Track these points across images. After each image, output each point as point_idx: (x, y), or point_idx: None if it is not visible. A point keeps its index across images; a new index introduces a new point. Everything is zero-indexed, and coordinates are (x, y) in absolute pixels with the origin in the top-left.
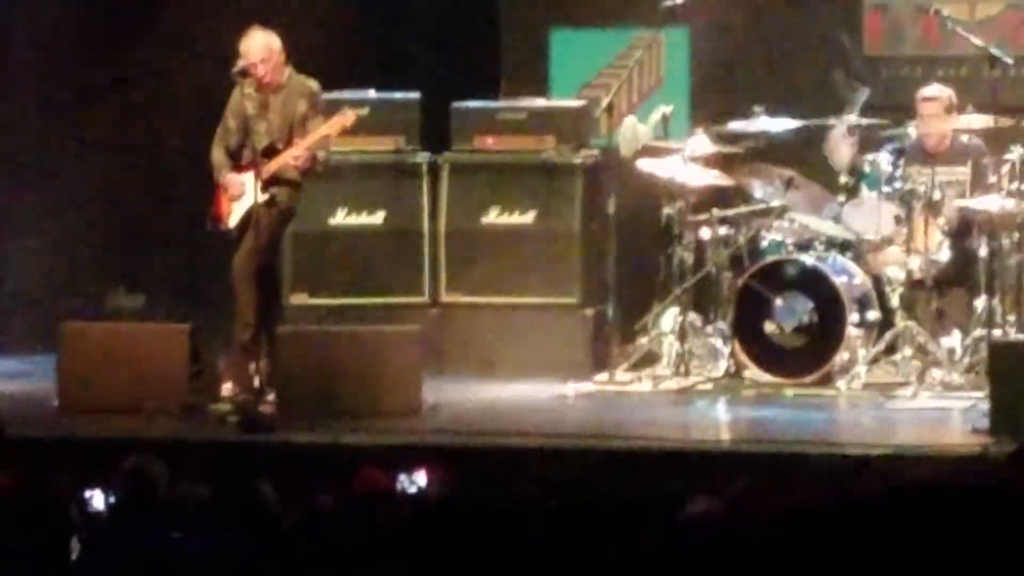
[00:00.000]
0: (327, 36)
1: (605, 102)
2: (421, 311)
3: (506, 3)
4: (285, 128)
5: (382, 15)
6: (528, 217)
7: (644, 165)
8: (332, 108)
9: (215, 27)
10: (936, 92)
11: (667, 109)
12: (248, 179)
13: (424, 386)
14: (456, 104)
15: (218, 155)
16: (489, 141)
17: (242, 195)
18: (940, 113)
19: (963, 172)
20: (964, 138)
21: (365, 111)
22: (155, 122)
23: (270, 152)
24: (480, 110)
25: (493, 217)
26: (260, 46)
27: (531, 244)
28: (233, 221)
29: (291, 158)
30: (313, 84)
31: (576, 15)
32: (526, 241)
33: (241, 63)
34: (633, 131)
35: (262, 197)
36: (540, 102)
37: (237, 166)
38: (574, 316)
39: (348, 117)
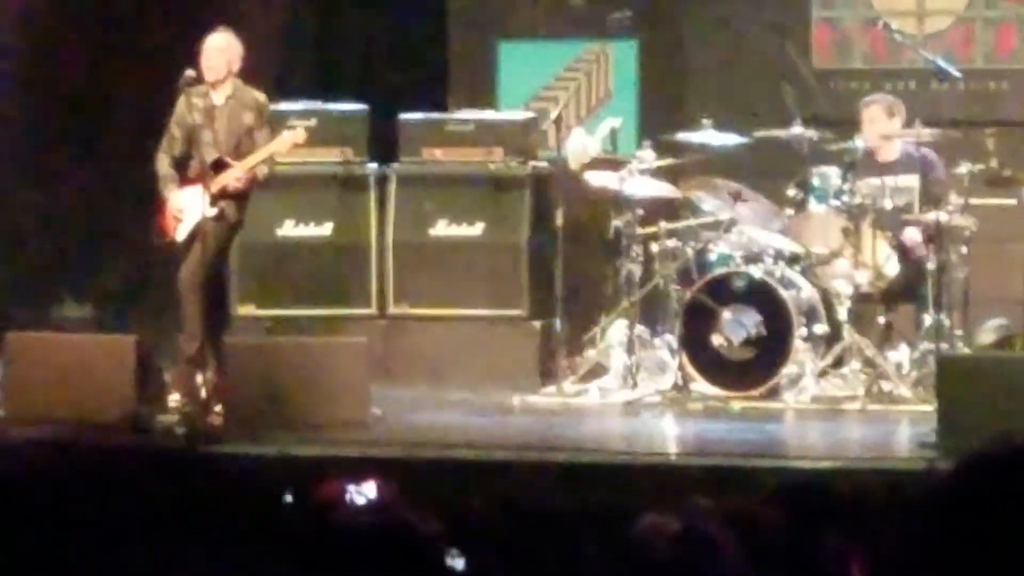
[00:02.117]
0: (276, 47)
1: (553, 114)
2: (368, 323)
3: (453, 15)
4: (232, 140)
5: (330, 27)
6: (476, 229)
7: (592, 177)
8: (279, 119)
9: (161, 37)
10: (876, 97)
11: (615, 122)
12: (194, 194)
13: (371, 398)
14: (404, 116)
15: (163, 166)
16: (437, 153)
17: (188, 211)
18: (881, 116)
19: (914, 180)
20: (913, 149)
21: (313, 122)
22: (102, 131)
23: (218, 165)
24: (428, 122)
25: (441, 229)
26: (223, 40)
27: (479, 256)
28: (181, 235)
29: (233, 178)
30: (260, 96)
31: (524, 27)
32: (474, 253)
33: (188, 73)
34: (581, 143)
35: (211, 211)
36: (488, 114)
37: (184, 179)
38: (521, 328)
39: (298, 133)
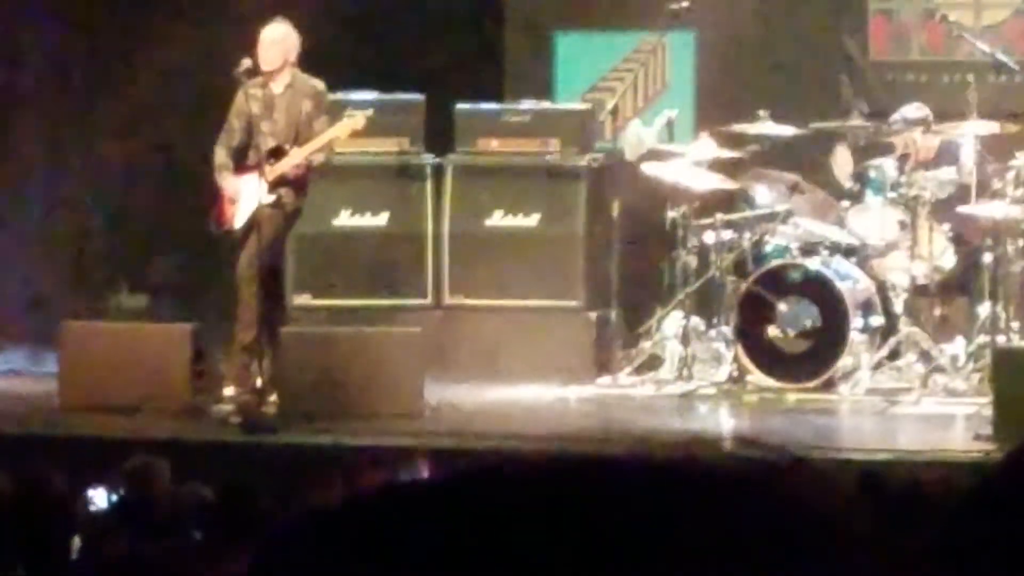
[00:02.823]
0: (332, 36)
1: (610, 105)
2: (424, 313)
3: (511, 6)
4: (291, 128)
5: (387, 16)
6: (532, 220)
7: (648, 169)
8: (336, 109)
9: (221, 28)
10: (912, 114)
11: (672, 113)
12: (249, 181)
13: (426, 388)
14: (460, 106)
15: (220, 156)
16: (493, 143)
17: (241, 198)
18: (920, 137)
19: (952, 172)
20: (966, 143)
21: (369, 112)
22: (160, 123)
23: (276, 153)
24: (484, 112)
25: (497, 220)
26: (281, 31)
27: (535, 247)
28: (238, 223)
29: (291, 165)
30: (319, 84)
31: (581, 18)
32: (530, 244)
33: (245, 62)
34: (638, 135)
35: (268, 199)
36: (545, 105)
37: (240, 167)
38: (577, 319)
39: (358, 119)
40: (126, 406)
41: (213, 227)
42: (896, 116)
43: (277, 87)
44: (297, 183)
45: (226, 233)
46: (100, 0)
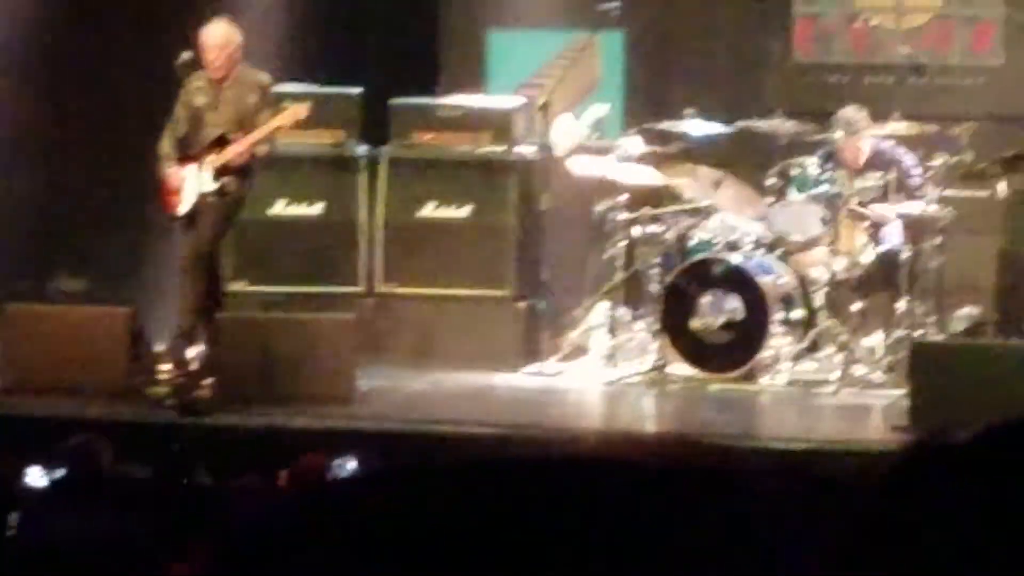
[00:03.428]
0: (272, 30)
1: (541, 101)
2: (357, 300)
3: (445, 4)
4: (237, 120)
5: (326, 12)
6: (464, 211)
7: (578, 163)
8: (274, 101)
9: (162, 19)
10: (853, 117)
11: (601, 110)
12: (192, 170)
13: (359, 374)
14: (395, 100)
15: (164, 147)
16: (427, 137)
17: (185, 186)
18: (855, 141)
19: (884, 178)
20: (885, 145)
21: (307, 105)
22: (99, 108)
23: (220, 143)
24: (419, 106)
25: (429, 211)
26: (221, 34)
27: (466, 238)
28: (182, 210)
29: (235, 153)
30: (264, 77)
31: (513, 17)
32: (461, 235)
33: (185, 55)
34: (568, 130)
35: (213, 186)
36: (477, 100)
37: (183, 157)
38: (507, 308)
39: (300, 110)
40: (65, 387)
41: (163, 214)
42: (840, 116)
43: (224, 81)
44: (241, 171)
45: (171, 220)
46: None
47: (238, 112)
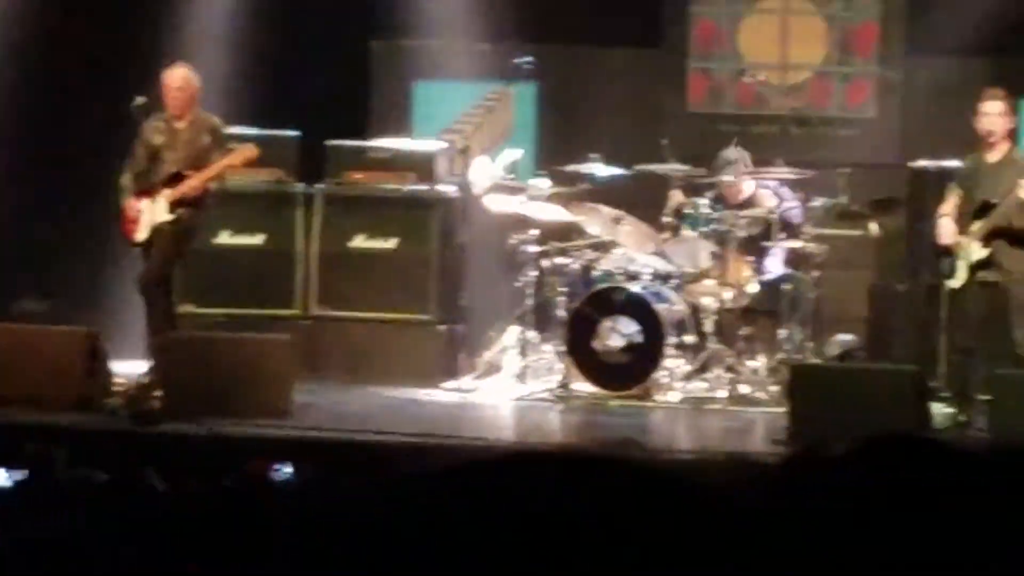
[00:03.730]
0: (219, 80)
1: (461, 145)
2: (294, 322)
3: (376, 58)
4: (191, 159)
5: (270, 62)
6: (390, 243)
7: (494, 201)
8: (225, 142)
9: (117, 63)
10: (732, 156)
11: (515, 153)
12: (146, 203)
13: (295, 389)
14: (331, 143)
15: (124, 180)
16: (358, 176)
17: (142, 216)
18: (739, 176)
19: (766, 213)
20: (771, 186)
21: (255, 147)
22: (60, 144)
23: (176, 178)
24: (351, 148)
25: (359, 242)
26: (181, 76)
27: (393, 267)
28: (140, 237)
29: (189, 188)
30: (217, 121)
31: (437, 69)
32: (388, 264)
33: (139, 99)
34: (485, 171)
35: (168, 217)
36: (403, 143)
37: (140, 191)
38: (429, 331)
39: (250, 151)
40: (27, 398)
41: (124, 241)
42: (721, 156)
43: (180, 123)
44: (194, 203)
45: (131, 246)
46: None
47: (193, 151)
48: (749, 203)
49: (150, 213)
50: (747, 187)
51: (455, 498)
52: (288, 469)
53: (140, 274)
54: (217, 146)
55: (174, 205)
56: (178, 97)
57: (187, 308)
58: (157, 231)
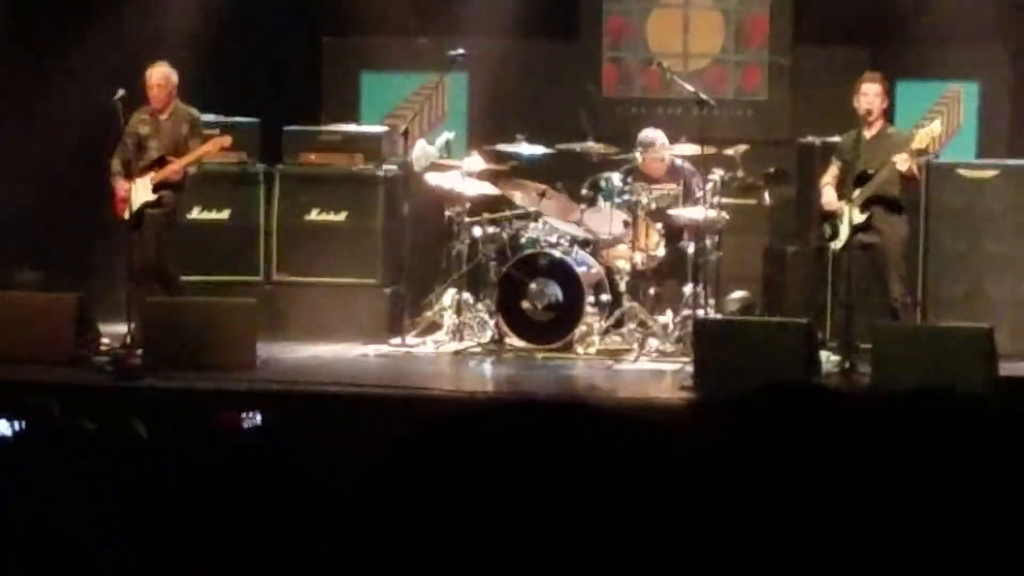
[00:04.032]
0: (192, 71)
1: (402, 128)
2: (257, 287)
3: (327, 52)
4: (172, 146)
5: (234, 58)
6: (341, 216)
7: (431, 178)
8: (202, 130)
9: (106, 56)
10: (651, 136)
11: (450, 135)
12: (139, 184)
13: (258, 346)
14: (287, 128)
15: (115, 165)
16: (312, 157)
17: (131, 197)
18: (658, 153)
19: (675, 188)
20: (678, 162)
21: (216, 131)
22: (51, 130)
23: (160, 162)
24: (306, 132)
25: (314, 215)
26: (162, 74)
27: (343, 237)
28: (128, 214)
29: (170, 171)
30: (195, 112)
31: (381, 61)
32: (339, 235)
33: (120, 92)
34: (423, 152)
35: (152, 197)
36: (352, 127)
37: (128, 173)
38: (375, 293)
39: (225, 140)
40: (24, 357)
41: (114, 218)
42: (641, 136)
43: (163, 115)
44: (177, 186)
45: (120, 223)
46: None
47: (174, 139)
48: (666, 177)
49: (137, 193)
50: (666, 164)
51: (443, 448)
52: (258, 418)
53: (130, 257)
54: (194, 134)
55: (157, 187)
56: (159, 93)
57: None
58: (143, 212)
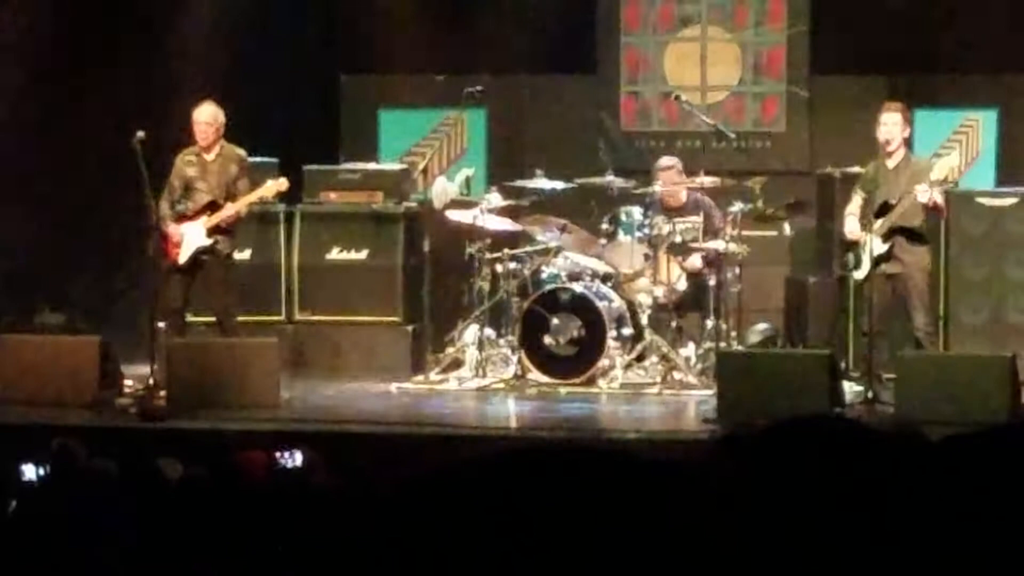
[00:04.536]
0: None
1: (421, 166)
2: (279, 327)
3: (344, 90)
4: (222, 188)
5: (253, 97)
6: (362, 254)
7: (452, 215)
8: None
9: (132, 92)
10: (668, 162)
11: (469, 171)
12: (187, 228)
13: (282, 385)
14: (307, 167)
15: (164, 208)
16: (332, 195)
17: (184, 241)
18: (675, 176)
19: (697, 221)
20: (698, 195)
21: (286, 180)
22: (69, 171)
23: (212, 206)
24: (325, 171)
25: (335, 254)
26: (210, 113)
27: (364, 275)
28: (183, 259)
29: (226, 217)
30: (242, 152)
31: (400, 99)
32: (360, 273)
33: (139, 134)
34: (443, 188)
35: (207, 242)
36: (371, 165)
37: (179, 217)
38: (397, 331)
39: (282, 183)
40: (48, 401)
41: (163, 262)
42: (658, 162)
43: (210, 155)
44: (230, 231)
45: (175, 268)
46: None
47: (222, 181)
48: (685, 208)
49: (191, 239)
50: (683, 194)
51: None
52: (298, 457)
53: (170, 295)
54: (243, 175)
55: (211, 231)
56: (207, 131)
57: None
58: (197, 259)
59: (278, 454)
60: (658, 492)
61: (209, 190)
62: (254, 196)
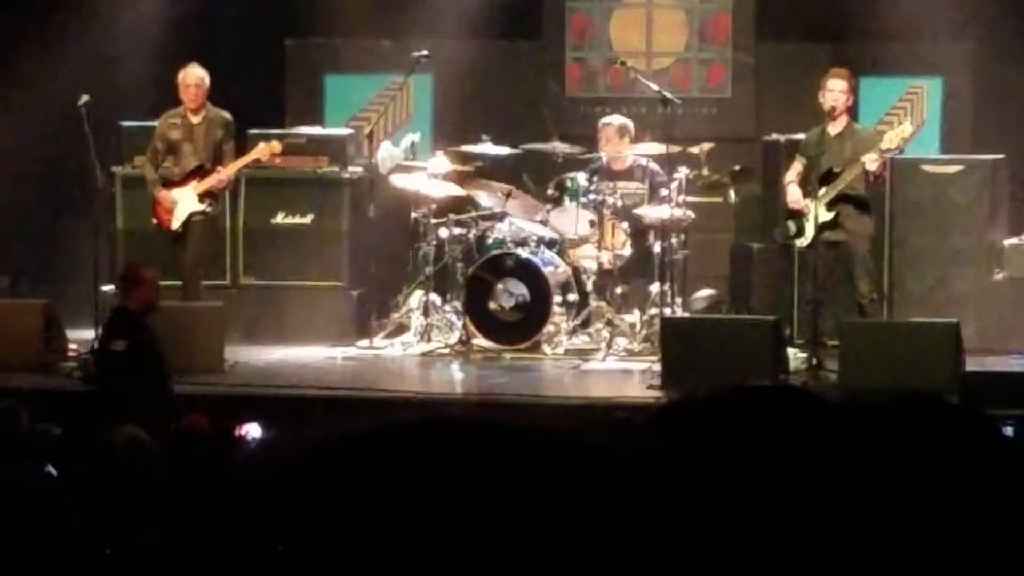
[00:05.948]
0: (155, 75)
1: (367, 131)
2: (224, 291)
3: (290, 55)
4: (208, 151)
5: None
6: (307, 219)
7: (397, 180)
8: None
9: (68, 61)
10: (609, 119)
11: (415, 137)
12: (179, 194)
13: (226, 349)
14: (253, 131)
15: (150, 173)
16: (278, 160)
17: (176, 206)
18: (614, 135)
19: (641, 187)
20: (643, 161)
21: (278, 142)
22: (14, 140)
23: (200, 171)
24: (271, 136)
25: (280, 219)
26: (197, 75)
27: (309, 240)
28: (175, 224)
29: (218, 181)
30: (228, 116)
31: (345, 64)
32: (305, 238)
33: (84, 97)
34: (388, 153)
35: (200, 207)
36: (317, 130)
37: (168, 182)
38: (342, 296)
39: (275, 146)
40: None
41: (157, 227)
42: (602, 122)
43: (195, 118)
44: (219, 194)
45: (166, 233)
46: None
47: (208, 144)
48: (631, 173)
49: (184, 204)
50: (628, 158)
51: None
52: (255, 431)
53: (177, 260)
54: (229, 138)
55: (203, 196)
56: (196, 93)
57: None
58: (189, 221)
59: (242, 427)
60: (566, 470)
61: (195, 153)
62: (247, 159)
